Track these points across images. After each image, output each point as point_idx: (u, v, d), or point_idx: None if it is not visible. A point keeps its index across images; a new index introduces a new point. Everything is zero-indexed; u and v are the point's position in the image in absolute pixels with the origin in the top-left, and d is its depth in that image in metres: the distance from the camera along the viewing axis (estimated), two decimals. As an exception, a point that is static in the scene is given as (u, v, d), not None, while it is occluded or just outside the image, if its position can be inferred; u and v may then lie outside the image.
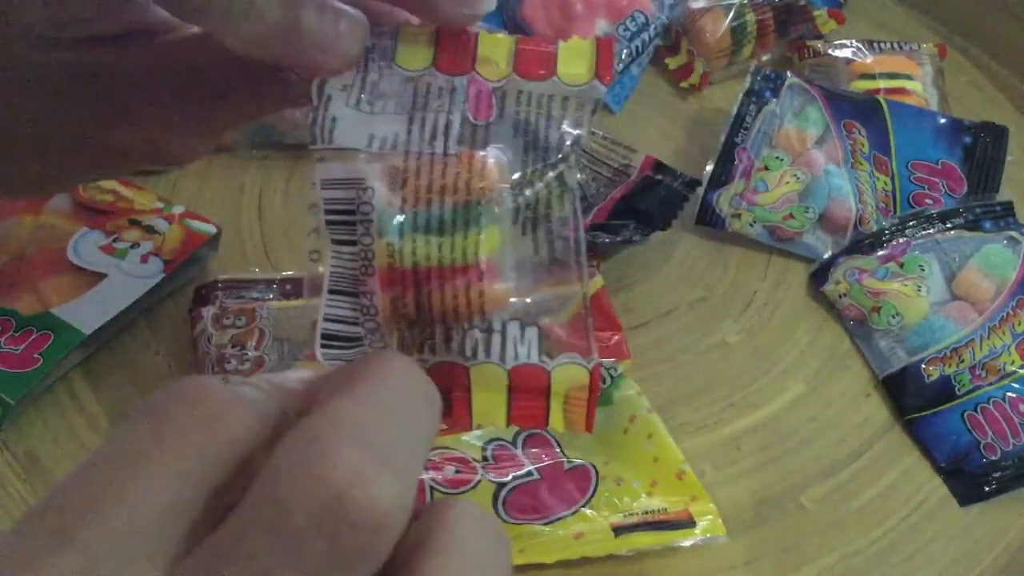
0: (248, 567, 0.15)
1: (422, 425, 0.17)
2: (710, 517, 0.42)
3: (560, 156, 0.25)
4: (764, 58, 0.67)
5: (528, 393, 0.24)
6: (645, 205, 0.54)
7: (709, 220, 0.57)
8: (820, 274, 0.56)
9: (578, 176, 0.56)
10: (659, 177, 0.56)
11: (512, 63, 0.25)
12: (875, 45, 0.67)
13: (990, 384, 0.50)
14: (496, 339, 0.24)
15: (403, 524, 0.15)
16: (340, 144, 0.24)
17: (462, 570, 0.16)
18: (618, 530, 0.41)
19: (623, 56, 0.64)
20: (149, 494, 0.15)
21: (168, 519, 0.15)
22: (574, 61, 0.25)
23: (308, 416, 0.16)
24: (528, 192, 0.25)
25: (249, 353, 0.44)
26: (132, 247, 0.48)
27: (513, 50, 0.26)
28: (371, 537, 0.15)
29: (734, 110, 0.60)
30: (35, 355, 0.43)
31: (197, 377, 0.17)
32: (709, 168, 0.58)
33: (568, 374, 0.24)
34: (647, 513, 0.42)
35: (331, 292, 0.24)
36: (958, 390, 0.50)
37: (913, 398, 0.50)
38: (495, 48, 0.26)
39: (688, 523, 0.42)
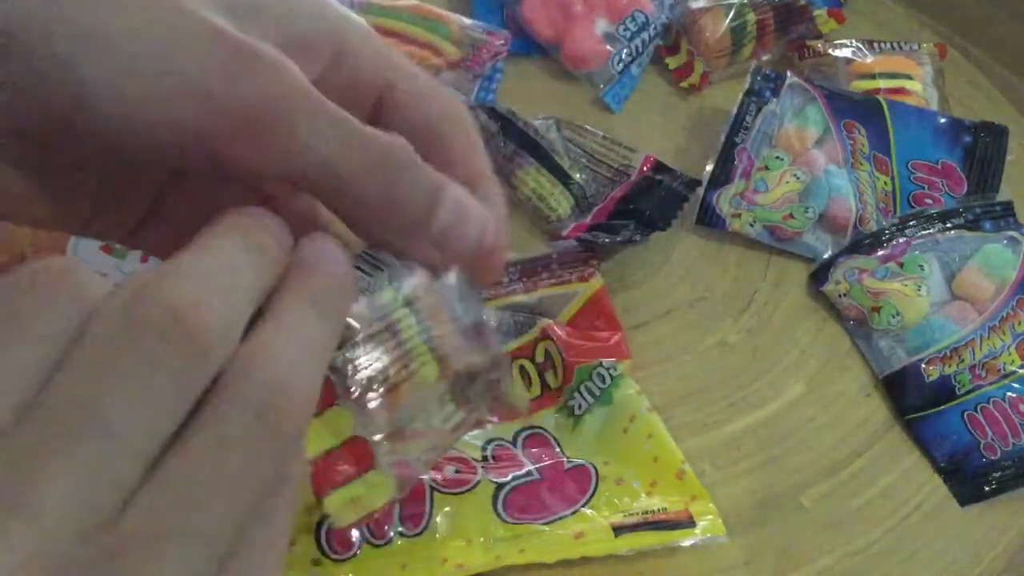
0: (107, 371, 0.17)
1: (246, 266, 0.20)
2: (710, 517, 0.42)
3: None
4: (764, 58, 0.67)
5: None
6: (645, 205, 0.54)
7: (709, 220, 0.57)
8: (820, 274, 0.56)
9: (577, 176, 0.56)
10: (659, 177, 0.56)
11: None
12: (875, 45, 0.67)
13: (990, 384, 0.50)
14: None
15: (231, 339, 0.19)
16: None
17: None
18: (618, 530, 0.41)
19: (623, 56, 0.64)
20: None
21: (28, 372, 0.17)
22: None
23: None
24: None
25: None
26: (132, 247, 0.48)
27: None
28: (202, 349, 0.18)
29: (734, 110, 0.60)
30: (35, 355, 0.43)
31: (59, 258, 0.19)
32: (709, 168, 0.58)
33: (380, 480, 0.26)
34: (647, 513, 0.42)
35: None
36: (958, 390, 0.50)
37: (913, 398, 0.50)
38: None
39: (688, 523, 0.42)
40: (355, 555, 0.39)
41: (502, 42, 0.62)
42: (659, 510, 0.42)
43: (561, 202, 0.54)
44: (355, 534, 0.40)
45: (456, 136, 0.27)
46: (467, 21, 0.63)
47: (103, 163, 0.25)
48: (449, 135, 0.27)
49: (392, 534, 0.40)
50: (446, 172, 0.26)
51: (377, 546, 0.40)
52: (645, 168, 0.56)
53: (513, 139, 0.56)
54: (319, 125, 0.22)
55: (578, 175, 0.56)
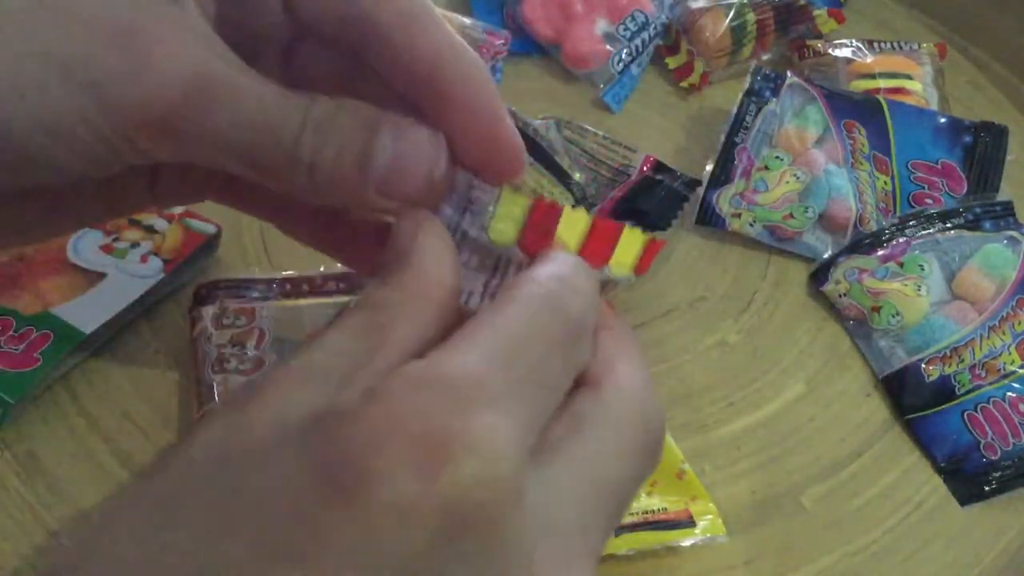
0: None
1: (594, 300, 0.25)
2: (710, 517, 0.42)
3: None
4: (764, 58, 0.67)
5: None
6: (645, 205, 0.54)
7: (709, 220, 0.57)
8: (820, 274, 0.56)
9: (577, 176, 0.56)
10: (659, 177, 0.56)
11: (580, 246, 0.26)
12: (875, 45, 0.67)
13: (990, 384, 0.50)
14: None
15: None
16: None
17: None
18: (618, 530, 0.41)
19: (623, 56, 0.64)
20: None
21: None
22: (627, 251, 0.27)
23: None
24: None
25: (249, 353, 0.44)
26: (132, 247, 0.48)
27: (586, 232, 0.26)
28: (588, 347, 0.24)
29: (734, 110, 0.60)
30: (35, 355, 0.43)
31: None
32: (709, 168, 0.58)
33: None
34: (647, 513, 0.42)
35: None
36: (958, 390, 0.50)
37: (913, 398, 0.50)
38: (571, 229, 0.27)
39: (688, 523, 0.42)
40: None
41: (502, 42, 0.62)
42: (659, 510, 0.42)
43: (561, 202, 0.54)
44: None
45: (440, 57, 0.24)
46: (466, 21, 0.63)
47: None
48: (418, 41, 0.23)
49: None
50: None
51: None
52: (645, 168, 0.56)
53: (513, 139, 0.56)
54: (222, 113, 0.21)
55: (578, 175, 0.56)
